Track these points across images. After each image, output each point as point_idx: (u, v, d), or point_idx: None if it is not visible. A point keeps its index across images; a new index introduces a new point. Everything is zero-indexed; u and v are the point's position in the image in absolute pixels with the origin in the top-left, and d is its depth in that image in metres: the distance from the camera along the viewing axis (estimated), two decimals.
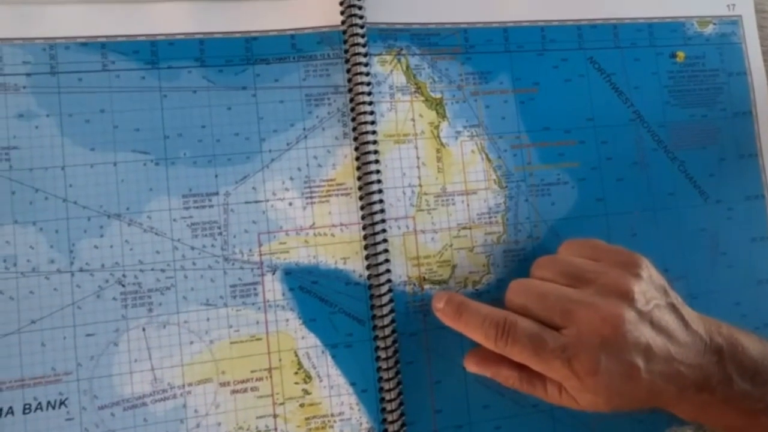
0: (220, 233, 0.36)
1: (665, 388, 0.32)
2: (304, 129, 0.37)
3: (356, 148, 0.37)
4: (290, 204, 0.37)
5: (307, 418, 0.35)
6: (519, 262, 0.39)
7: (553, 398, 0.34)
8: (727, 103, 0.43)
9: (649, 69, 0.42)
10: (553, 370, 0.32)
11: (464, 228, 0.39)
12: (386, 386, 0.35)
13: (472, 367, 0.36)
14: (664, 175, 0.42)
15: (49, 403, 0.33)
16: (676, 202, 0.42)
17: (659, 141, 0.42)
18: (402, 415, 0.36)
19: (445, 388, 0.37)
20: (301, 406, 0.35)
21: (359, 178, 0.37)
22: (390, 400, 0.35)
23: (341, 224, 0.37)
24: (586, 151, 0.41)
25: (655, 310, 0.33)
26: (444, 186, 0.38)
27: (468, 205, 0.39)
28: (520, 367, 0.34)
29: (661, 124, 0.42)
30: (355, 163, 0.37)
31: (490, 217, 0.39)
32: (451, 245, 0.38)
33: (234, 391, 0.35)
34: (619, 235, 0.40)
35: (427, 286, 0.38)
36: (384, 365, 0.36)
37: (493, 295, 0.38)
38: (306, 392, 0.36)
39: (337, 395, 0.36)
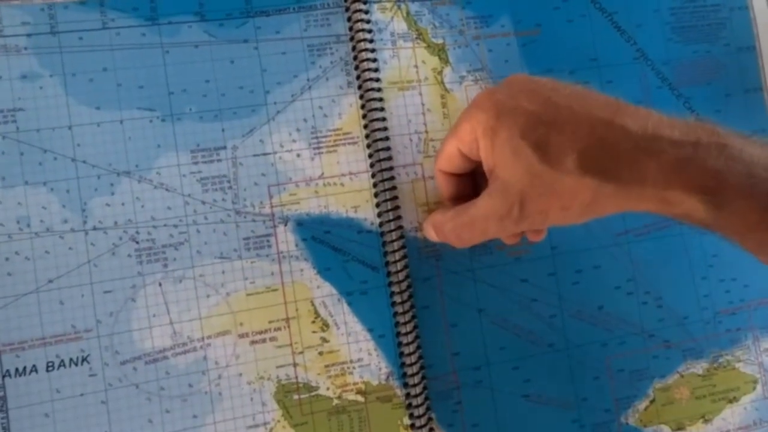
0: (230, 187, 0.36)
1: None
2: (308, 80, 0.37)
3: (361, 97, 0.37)
4: (298, 155, 0.36)
5: (326, 366, 0.36)
6: None
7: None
8: (731, 38, 0.43)
9: (651, 6, 0.42)
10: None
11: None
12: (403, 330, 0.36)
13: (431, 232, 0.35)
14: (670, 112, 0.41)
15: (71, 360, 0.33)
16: None
17: (664, 78, 0.42)
18: (420, 358, 0.36)
19: (462, 331, 0.37)
20: (320, 354, 0.36)
21: (365, 127, 0.37)
22: (407, 344, 0.36)
23: (350, 173, 0.37)
24: None
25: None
26: None
27: None
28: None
29: (664, 61, 0.42)
30: (361, 112, 0.37)
31: None
32: None
33: (253, 342, 0.35)
34: None
35: None
36: (400, 309, 0.36)
37: None
38: (324, 340, 0.36)
39: (355, 342, 0.36)
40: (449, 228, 0.34)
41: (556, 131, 0.29)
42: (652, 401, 0.40)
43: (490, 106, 0.31)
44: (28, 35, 0.34)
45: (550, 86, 0.31)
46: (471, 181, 0.36)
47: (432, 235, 0.36)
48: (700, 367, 0.41)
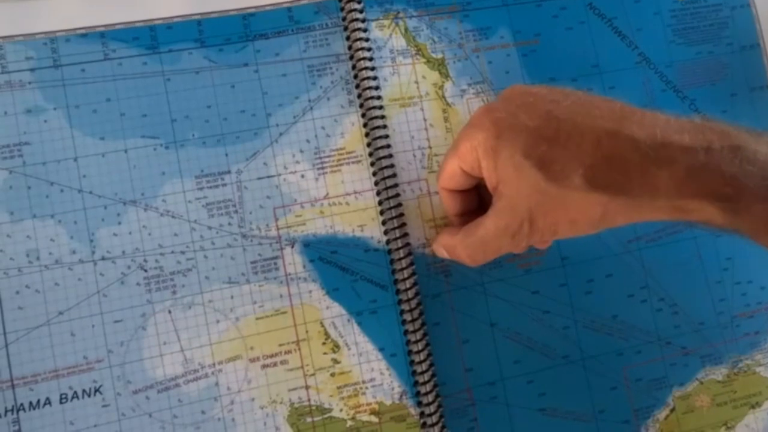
0: (236, 211, 0.36)
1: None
2: (309, 100, 0.37)
3: (363, 115, 0.37)
4: (302, 176, 0.36)
5: (339, 387, 0.36)
6: None
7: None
8: (733, 38, 0.43)
9: (651, 9, 0.42)
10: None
11: None
12: (414, 348, 0.35)
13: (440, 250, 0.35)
14: (676, 114, 0.41)
15: (84, 391, 0.33)
16: None
17: (667, 81, 0.41)
18: (433, 375, 0.36)
19: (474, 347, 0.37)
20: (332, 375, 0.36)
21: (368, 145, 0.37)
22: (420, 362, 0.35)
23: (355, 192, 0.37)
24: None
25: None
26: None
27: None
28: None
29: (667, 64, 0.41)
30: (363, 130, 0.37)
31: None
32: None
33: (264, 366, 0.35)
34: None
35: None
36: (410, 328, 0.36)
37: None
38: (335, 361, 0.36)
39: (366, 362, 0.36)
40: (461, 250, 0.33)
41: (559, 147, 0.29)
42: (672, 410, 0.39)
43: (489, 125, 0.31)
44: (32, 70, 0.35)
45: (549, 98, 0.31)
46: (475, 196, 0.35)
47: (443, 254, 0.35)
48: (719, 373, 0.40)
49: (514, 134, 0.30)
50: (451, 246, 0.34)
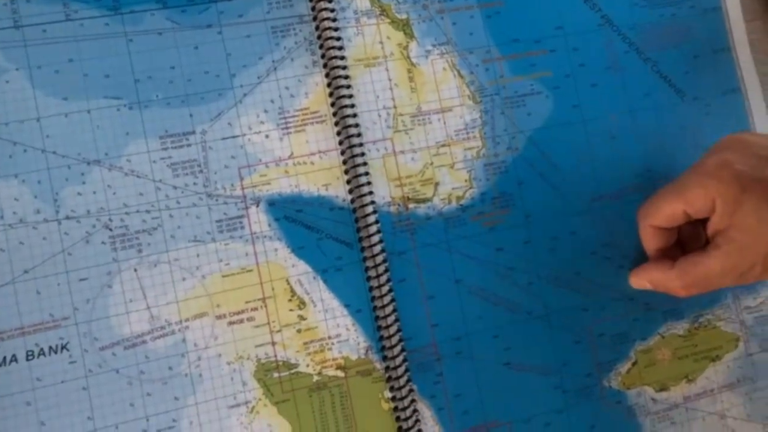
0: (201, 171, 0.36)
1: None
2: (273, 61, 0.37)
3: (327, 75, 0.37)
4: (267, 136, 0.37)
5: (305, 343, 0.36)
6: (501, 174, 0.39)
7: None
8: (696, 0, 0.43)
9: None
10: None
11: (443, 145, 0.39)
12: (379, 304, 0.36)
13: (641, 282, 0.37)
14: (639, 76, 0.42)
15: (51, 348, 0.33)
16: (654, 102, 0.42)
17: (630, 43, 0.42)
18: (398, 330, 0.36)
19: (440, 302, 0.38)
20: (298, 331, 0.36)
21: (333, 104, 0.37)
22: (384, 317, 0.36)
23: (319, 152, 0.37)
24: (558, 59, 0.41)
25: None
26: (419, 105, 0.39)
27: (444, 122, 0.39)
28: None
29: (630, 26, 0.42)
30: (327, 90, 0.37)
31: (467, 133, 0.39)
32: (432, 163, 0.38)
33: (231, 323, 0.35)
34: (598, 139, 0.40)
35: (411, 205, 0.38)
36: (375, 284, 0.36)
37: (479, 208, 0.39)
38: (301, 318, 0.36)
39: (332, 318, 0.36)
40: (677, 285, 0.35)
41: None
42: (634, 363, 0.40)
43: (731, 179, 0.33)
44: None
45: None
46: (676, 231, 0.37)
47: (644, 286, 0.37)
48: (681, 327, 0.41)
49: (761, 187, 0.32)
50: (664, 281, 0.36)
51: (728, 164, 0.33)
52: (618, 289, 0.40)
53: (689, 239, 0.38)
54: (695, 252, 0.35)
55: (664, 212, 0.35)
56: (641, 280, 0.37)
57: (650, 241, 0.37)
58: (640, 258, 0.40)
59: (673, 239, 0.37)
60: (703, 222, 0.35)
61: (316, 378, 0.36)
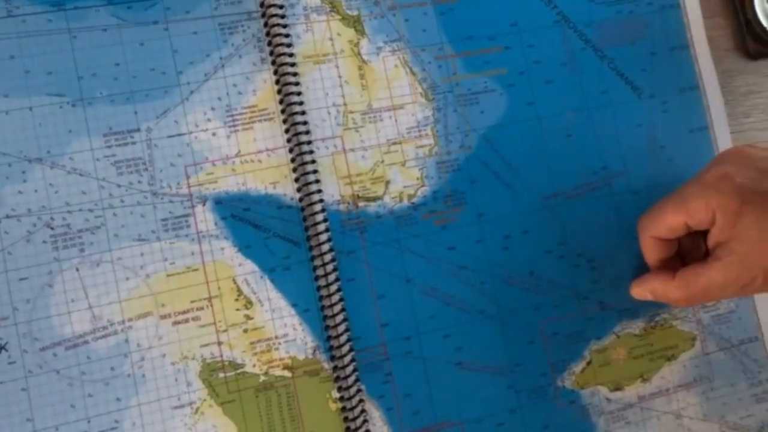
0: (146, 169, 0.35)
1: None
2: (221, 58, 0.37)
3: (275, 72, 0.37)
4: (214, 134, 0.36)
5: (251, 343, 0.36)
6: (453, 172, 0.39)
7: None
8: None
9: None
10: None
11: (394, 143, 0.38)
12: (327, 303, 0.36)
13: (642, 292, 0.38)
14: (595, 73, 0.41)
15: None
16: (610, 99, 0.41)
17: (587, 40, 0.41)
18: (347, 330, 0.36)
19: (390, 302, 0.37)
20: (245, 331, 0.36)
21: (281, 102, 0.37)
22: (332, 316, 0.36)
23: (267, 149, 0.37)
24: (512, 56, 0.40)
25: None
26: (369, 103, 0.38)
27: (396, 120, 0.39)
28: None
29: (586, 23, 0.41)
30: (276, 87, 0.37)
31: (419, 131, 0.39)
32: (383, 161, 0.38)
33: (175, 323, 0.35)
34: (553, 137, 0.40)
35: (361, 204, 0.38)
36: (323, 283, 0.36)
37: (430, 206, 0.38)
38: (248, 317, 0.36)
39: (279, 318, 0.36)
40: (678, 296, 0.36)
41: None
42: (588, 363, 0.39)
43: (732, 191, 0.33)
44: None
45: None
46: (676, 243, 0.38)
47: (645, 296, 0.38)
48: (636, 326, 0.40)
49: (760, 200, 0.32)
50: (664, 291, 0.36)
51: (729, 177, 0.33)
52: (572, 287, 0.39)
53: (689, 250, 0.38)
54: (697, 263, 0.35)
55: (665, 223, 0.36)
56: (642, 290, 0.38)
57: (651, 252, 0.37)
58: (595, 256, 0.40)
59: (673, 250, 0.37)
60: (704, 233, 0.35)
61: (262, 378, 0.35)
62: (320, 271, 0.36)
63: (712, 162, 0.35)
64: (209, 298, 0.35)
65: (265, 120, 0.37)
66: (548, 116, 0.40)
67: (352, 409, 0.35)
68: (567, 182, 0.40)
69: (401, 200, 0.38)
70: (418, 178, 0.38)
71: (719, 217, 0.33)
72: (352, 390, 0.36)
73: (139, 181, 0.35)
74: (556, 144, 0.40)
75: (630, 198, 0.41)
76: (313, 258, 0.36)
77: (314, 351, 0.36)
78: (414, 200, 0.38)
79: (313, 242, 0.36)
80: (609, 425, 0.39)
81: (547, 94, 0.40)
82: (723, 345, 0.41)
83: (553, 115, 0.40)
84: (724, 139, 0.43)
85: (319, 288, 0.36)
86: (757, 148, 0.35)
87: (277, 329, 0.36)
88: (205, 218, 0.36)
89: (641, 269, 0.41)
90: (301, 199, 0.36)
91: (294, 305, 0.36)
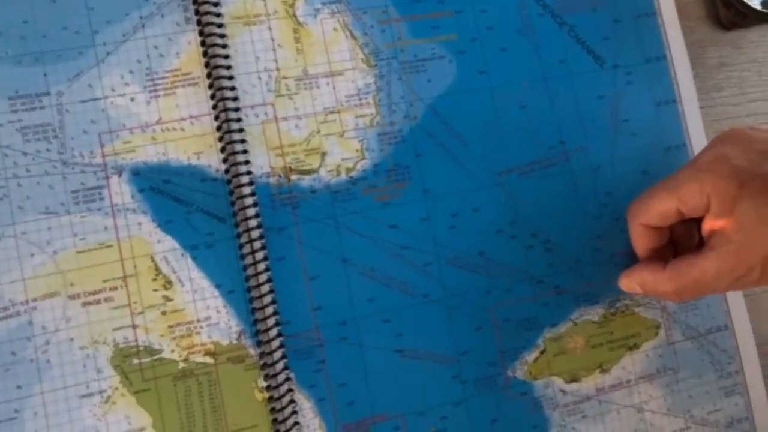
0: (56, 136, 0.32)
1: None
2: (141, 17, 0.34)
3: (200, 33, 0.34)
4: (132, 99, 0.33)
5: (170, 326, 0.33)
6: (396, 144, 0.36)
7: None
8: None
9: None
10: None
11: (332, 112, 0.36)
12: (254, 284, 0.33)
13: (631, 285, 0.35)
14: (553, 41, 0.38)
15: None
16: (569, 69, 0.38)
17: (544, 5, 0.38)
18: (275, 313, 0.33)
19: (324, 283, 0.34)
20: (163, 313, 0.33)
21: (207, 65, 0.34)
22: (260, 297, 0.33)
23: (191, 117, 0.34)
24: (464, 21, 0.37)
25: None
26: (305, 68, 0.35)
27: (334, 87, 0.36)
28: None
29: None
30: (201, 50, 0.34)
31: (360, 99, 0.36)
32: (319, 131, 0.35)
33: (86, 303, 0.32)
34: (506, 107, 0.37)
35: (294, 177, 0.35)
36: (250, 261, 0.33)
37: (371, 181, 0.35)
38: (167, 299, 0.33)
39: (201, 299, 0.33)
40: (668, 290, 0.33)
41: None
42: (542, 352, 0.36)
43: (729, 173, 0.30)
44: None
45: None
46: (668, 231, 0.35)
47: (635, 290, 0.35)
48: (595, 313, 0.37)
49: (759, 184, 0.30)
50: (654, 284, 0.34)
51: (726, 159, 0.31)
52: (525, 270, 0.37)
53: (682, 239, 0.35)
54: (690, 254, 0.32)
55: (656, 210, 0.33)
56: (631, 282, 0.35)
57: (641, 241, 0.34)
58: (551, 237, 0.37)
59: (664, 239, 0.34)
60: (698, 221, 0.32)
61: (181, 365, 0.33)
62: (247, 249, 0.33)
63: (708, 144, 0.33)
64: (124, 278, 0.32)
65: (189, 85, 0.34)
66: (501, 86, 0.37)
67: (279, 398, 0.33)
68: (521, 157, 0.37)
69: (339, 174, 0.35)
70: (357, 150, 0.36)
71: (714, 203, 0.30)
72: (280, 378, 0.33)
73: (48, 149, 0.32)
74: (510, 116, 0.37)
75: (589, 175, 0.38)
76: (239, 235, 0.33)
77: (239, 336, 0.33)
78: (353, 174, 0.35)
79: (239, 218, 0.33)
80: (564, 419, 0.36)
81: (500, 62, 0.37)
82: (689, 334, 0.39)
83: (507, 84, 0.37)
84: (692, 114, 0.40)
85: (245, 267, 0.33)
86: (759, 129, 0.32)
87: (199, 312, 0.33)
88: (121, 190, 0.33)
89: (601, 251, 0.38)
90: (227, 171, 0.33)
91: (218, 286, 0.33)
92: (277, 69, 0.35)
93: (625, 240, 0.38)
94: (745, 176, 0.30)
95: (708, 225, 0.31)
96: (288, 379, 0.33)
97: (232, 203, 0.33)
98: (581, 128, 0.38)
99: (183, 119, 0.34)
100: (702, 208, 0.31)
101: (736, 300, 0.39)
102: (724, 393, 0.39)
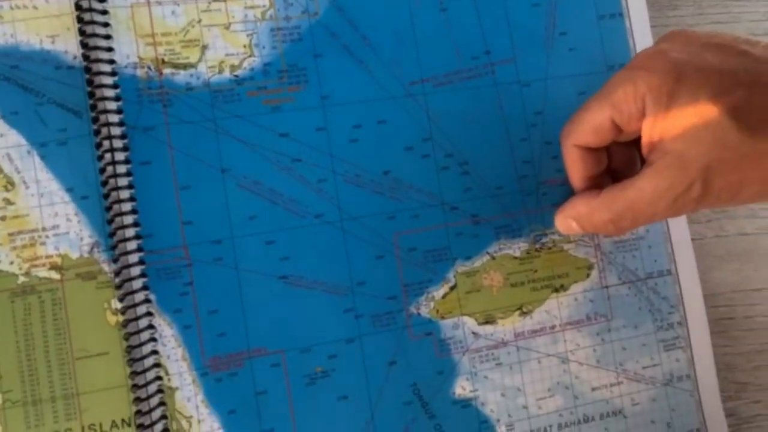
0: None
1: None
2: None
3: None
4: None
5: (10, 234, 0.28)
6: (292, 42, 0.31)
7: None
8: None
9: None
10: None
11: (217, 0, 0.31)
12: (112, 187, 0.28)
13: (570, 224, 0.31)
14: None
15: None
16: None
17: None
18: (135, 224, 0.28)
19: (197, 195, 0.30)
20: (3, 219, 0.28)
21: None
22: (117, 203, 0.28)
23: None
24: None
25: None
26: None
27: None
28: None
29: None
30: None
31: None
32: (200, 21, 0.30)
33: None
34: (424, 9, 0.32)
35: (167, 71, 0.30)
36: (108, 161, 0.28)
37: (259, 82, 0.31)
38: (8, 202, 0.28)
39: (49, 204, 0.29)
40: (603, 219, 0.29)
41: (759, 93, 0.25)
42: (452, 288, 0.32)
43: (665, 66, 0.26)
44: None
45: (741, 40, 0.27)
46: (606, 155, 0.31)
47: (572, 229, 0.31)
48: (517, 247, 0.33)
49: (700, 77, 0.26)
50: (588, 214, 0.30)
51: (663, 53, 0.27)
52: (437, 195, 0.32)
53: (623, 167, 0.31)
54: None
55: (589, 123, 0.28)
56: (565, 219, 0.30)
57: (575, 167, 0.30)
58: (470, 158, 0.33)
59: (602, 165, 0.30)
60: (639, 145, 0.28)
61: (22, 279, 0.28)
62: (105, 147, 0.28)
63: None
64: None
65: None
66: None
67: (135, 320, 0.28)
68: (438, 66, 0.32)
69: (221, 71, 0.30)
70: (245, 46, 0.31)
71: (649, 104, 0.26)
72: (138, 298, 0.28)
73: None
74: (427, 18, 0.33)
75: (517, 90, 0.33)
76: (97, 132, 0.28)
77: (92, 249, 0.29)
78: (238, 72, 0.31)
79: (98, 112, 0.28)
80: (474, 366, 0.32)
81: None
82: (627, 277, 0.34)
83: None
84: (641, 31, 0.35)
85: (102, 170, 0.28)
86: (702, 31, 0.28)
87: (45, 219, 0.29)
88: None
89: (527, 178, 0.33)
90: (86, 58, 0.29)
91: (69, 190, 0.29)
92: None
93: (556, 167, 0.33)
94: (684, 69, 0.25)
95: (646, 136, 0.27)
96: (147, 300, 0.28)
97: (91, 95, 0.29)
98: (510, 38, 0.33)
99: None
100: (637, 114, 0.27)
101: (682, 242, 0.35)
102: (663, 346, 0.34)
